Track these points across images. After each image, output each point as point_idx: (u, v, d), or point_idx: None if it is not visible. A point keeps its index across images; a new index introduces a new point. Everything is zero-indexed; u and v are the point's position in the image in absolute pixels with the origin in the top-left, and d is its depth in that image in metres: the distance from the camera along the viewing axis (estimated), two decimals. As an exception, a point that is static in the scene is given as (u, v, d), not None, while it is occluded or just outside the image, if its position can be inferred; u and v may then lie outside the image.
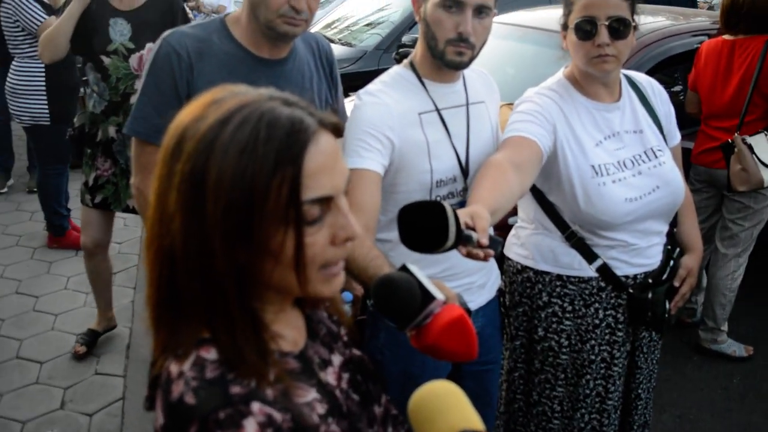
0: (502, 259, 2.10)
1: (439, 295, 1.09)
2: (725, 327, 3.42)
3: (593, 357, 1.97)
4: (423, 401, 0.94)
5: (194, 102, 0.88)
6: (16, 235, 4.61)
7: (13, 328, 3.54)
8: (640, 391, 2.10)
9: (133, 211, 3.05)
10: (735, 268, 3.29)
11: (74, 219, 4.28)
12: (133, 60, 2.91)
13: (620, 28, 1.75)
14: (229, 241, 0.83)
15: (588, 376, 1.99)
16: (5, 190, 5.29)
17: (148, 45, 2.87)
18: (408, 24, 5.40)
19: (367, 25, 5.75)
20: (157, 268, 0.88)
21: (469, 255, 1.27)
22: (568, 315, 1.95)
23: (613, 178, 1.83)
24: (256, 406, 0.81)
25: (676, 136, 2.04)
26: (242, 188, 0.81)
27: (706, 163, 3.24)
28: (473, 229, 1.26)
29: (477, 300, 1.85)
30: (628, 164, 1.86)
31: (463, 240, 1.21)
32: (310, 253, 0.86)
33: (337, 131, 0.90)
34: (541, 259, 1.96)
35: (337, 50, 5.31)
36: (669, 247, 2.00)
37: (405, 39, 4.63)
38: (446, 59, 1.67)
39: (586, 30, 1.76)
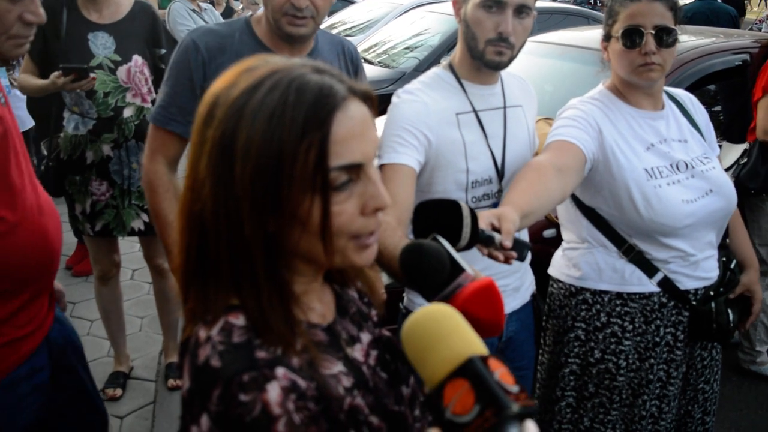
0: (535, 263, 2.05)
1: (468, 269, 1.07)
2: (763, 348, 3.34)
3: (651, 377, 1.89)
4: (419, 327, 0.82)
5: (228, 71, 0.90)
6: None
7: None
8: (695, 414, 2.01)
9: (138, 233, 2.90)
10: None
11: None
12: (121, 72, 2.74)
13: (666, 36, 1.75)
14: (256, 207, 0.83)
15: (645, 396, 1.90)
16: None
17: (135, 57, 2.76)
18: (446, 47, 5.45)
19: (406, 48, 5.80)
20: (188, 234, 0.89)
21: (490, 256, 1.24)
22: (628, 335, 1.87)
23: (667, 180, 1.79)
24: (280, 371, 0.80)
25: (716, 148, 2.01)
26: (270, 153, 0.82)
27: None
28: (498, 231, 1.24)
29: (511, 304, 1.83)
30: (681, 167, 1.83)
31: (483, 241, 1.19)
32: (337, 222, 0.86)
33: (369, 100, 0.90)
34: (599, 278, 1.89)
35: (377, 71, 5.44)
36: (724, 258, 1.95)
37: (443, 61, 4.64)
38: (486, 59, 1.67)
39: (632, 38, 1.75)
